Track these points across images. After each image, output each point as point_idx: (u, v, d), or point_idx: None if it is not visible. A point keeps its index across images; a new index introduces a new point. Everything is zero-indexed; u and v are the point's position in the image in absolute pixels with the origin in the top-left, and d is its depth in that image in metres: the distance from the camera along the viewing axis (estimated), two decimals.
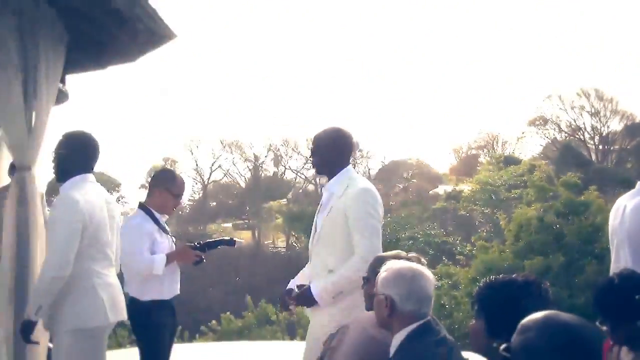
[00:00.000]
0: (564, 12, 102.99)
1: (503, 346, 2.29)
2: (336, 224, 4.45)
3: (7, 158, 6.80)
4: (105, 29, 5.99)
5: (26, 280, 5.83)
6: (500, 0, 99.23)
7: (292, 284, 4.76)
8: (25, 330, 4.41)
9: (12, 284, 5.55)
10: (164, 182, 5.46)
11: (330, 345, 3.90)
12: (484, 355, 2.85)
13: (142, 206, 5.40)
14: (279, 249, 46.66)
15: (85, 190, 4.56)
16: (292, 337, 20.94)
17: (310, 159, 4.82)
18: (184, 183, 5.67)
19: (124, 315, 4.81)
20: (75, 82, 7.12)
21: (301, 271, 4.87)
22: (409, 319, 3.20)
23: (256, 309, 25.09)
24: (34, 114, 5.70)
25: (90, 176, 4.74)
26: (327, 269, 4.45)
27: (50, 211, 4.60)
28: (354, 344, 3.61)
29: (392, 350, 3.22)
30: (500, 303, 2.76)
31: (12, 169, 6.05)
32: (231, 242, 5.73)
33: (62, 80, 6.07)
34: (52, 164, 4.81)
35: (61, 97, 6.20)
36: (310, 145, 4.77)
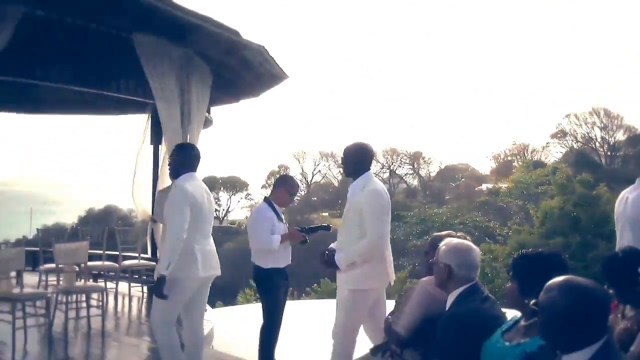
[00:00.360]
0: (582, 43, 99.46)
1: (533, 302, 2.26)
2: (354, 215, 4.44)
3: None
4: (238, 73, 6.13)
5: None
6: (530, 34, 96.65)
7: (332, 245, 4.74)
8: (159, 284, 4.38)
9: None
10: (285, 184, 5.48)
11: (398, 302, 3.91)
12: (517, 309, 2.80)
13: (266, 199, 5.43)
14: None
15: (191, 184, 4.61)
16: None
17: (342, 165, 4.74)
18: (298, 186, 5.74)
19: (215, 273, 4.77)
20: (217, 111, 7.29)
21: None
22: (462, 282, 3.17)
23: None
24: (188, 134, 5.89)
25: (194, 174, 4.77)
26: (344, 244, 4.49)
27: (169, 197, 4.62)
28: (417, 299, 3.57)
29: (448, 304, 3.19)
30: (530, 270, 2.72)
31: None
32: (328, 228, 5.77)
33: (208, 111, 6.22)
34: (169, 167, 4.87)
35: (207, 122, 6.36)
36: (342, 155, 4.71)
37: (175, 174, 4.78)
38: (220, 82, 6.26)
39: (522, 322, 2.72)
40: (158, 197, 6.72)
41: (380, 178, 52.96)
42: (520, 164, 46.48)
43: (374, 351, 3.81)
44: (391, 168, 53.65)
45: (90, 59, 5.32)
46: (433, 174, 53.27)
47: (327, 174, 52.85)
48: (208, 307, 7.91)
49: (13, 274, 6.33)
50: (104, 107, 8.54)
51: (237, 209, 52.82)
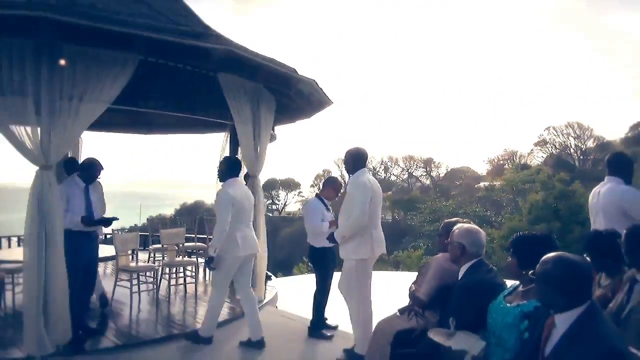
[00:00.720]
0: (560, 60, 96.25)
1: (531, 272, 2.20)
2: (347, 201, 4.44)
3: (243, 171, 7.13)
4: (294, 100, 6.13)
5: (258, 235, 6.08)
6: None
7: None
8: (209, 262, 4.65)
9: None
10: (332, 184, 5.45)
11: (419, 274, 3.86)
12: (515, 279, 2.72)
13: (317, 195, 5.42)
14: (388, 219, 46.05)
15: (232, 187, 4.68)
16: (396, 269, 20.68)
17: (343, 164, 4.65)
18: (341, 185, 5.70)
19: (253, 252, 4.86)
20: (279, 129, 7.32)
21: None
22: (471, 257, 3.12)
23: None
24: (259, 147, 5.93)
25: (236, 179, 4.83)
26: (341, 224, 4.48)
27: (217, 197, 4.65)
28: (434, 272, 3.53)
29: (460, 275, 3.14)
30: (527, 248, 2.65)
31: (247, 176, 6.31)
32: None
33: (273, 129, 6.26)
34: (217, 173, 4.90)
35: (272, 138, 6.39)
36: (342, 157, 4.63)
37: (221, 178, 4.83)
38: (281, 108, 6.28)
39: (520, 288, 2.66)
40: None
41: (401, 179, 52.58)
42: (510, 166, 45.52)
43: (401, 311, 3.77)
44: (409, 171, 53.11)
45: (186, 92, 5.40)
46: (442, 175, 52.59)
47: None
48: (272, 276, 8.00)
49: (129, 252, 6.49)
50: (194, 128, 8.68)
51: (292, 203, 53.03)
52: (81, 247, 4.65)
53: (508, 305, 2.58)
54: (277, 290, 7.04)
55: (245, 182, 6.57)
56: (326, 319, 5.46)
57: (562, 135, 47.05)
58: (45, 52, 3.94)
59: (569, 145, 47.03)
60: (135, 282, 5.96)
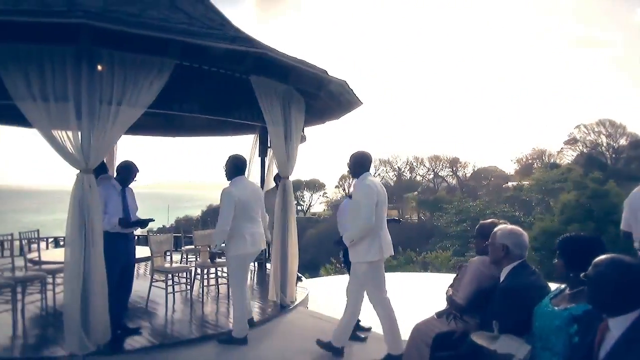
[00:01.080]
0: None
1: (582, 274, 2.14)
2: (353, 205, 4.45)
3: (274, 172, 7.16)
4: (324, 101, 6.14)
5: (289, 236, 6.10)
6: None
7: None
8: (212, 257, 4.88)
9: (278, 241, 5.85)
10: None
11: (456, 277, 3.82)
12: (563, 281, 2.66)
13: (349, 195, 5.38)
14: (414, 220, 45.61)
15: (237, 185, 4.80)
16: (425, 270, 20.45)
17: (348, 169, 4.64)
18: None
19: (260, 248, 4.97)
20: (309, 130, 7.33)
21: None
22: (514, 259, 3.06)
23: (404, 254, 24.92)
24: (290, 148, 5.95)
25: (242, 177, 4.93)
26: (350, 227, 4.49)
27: (220, 196, 4.73)
28: (471, 276, 3.49)
29: (502, 277, 3.09)
30: (574, 249, 2.58)
31: (277, 177, 6.35)
32: (398, 221, 5.68)
33: (303, 130, 6.28)
34: (224, 172, 4.96)
35: (302, 139, 6.41)
36: (348, 161, 4.61)
37: (228, 177, 4.93)
38: (310, 109, 6.30)
39: (567, 291, 2.59)
40: (264, 196, 6.81)
41: (427, 179, 52.01)
42: (539, 165, 44.52)
43: (439, 315, 3.73)
44: (435, 171, 52.49)
45: (219, 95, 5.48)
46: (468, 175, 51.78)
47: (384, 177, 52.18)
48: (302, 277, 8.01)
49: (163, 253, 6.59)
50: (223, 130, 8.79)
51: (317, 204, 53.05)
52: (119, 248, 4.75)
53: (555, 308, 2.53)
54: (308, 291, 7.05)
55: (276, 184, 6.63)
56: (359, 320, 5.43)
57: (593, 133, 45.82)
58: (85, 58, 4.04)
59: (600, 143, 45.78)
60: (170, 282, 6.06)
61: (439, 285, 3.87)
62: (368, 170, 4.54)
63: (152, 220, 5.08)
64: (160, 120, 8.45)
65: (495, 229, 3.17)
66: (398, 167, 52.80)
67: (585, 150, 45.93)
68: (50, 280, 5.89)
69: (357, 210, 4.34)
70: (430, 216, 40.79)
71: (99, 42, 3.95)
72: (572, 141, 47.09)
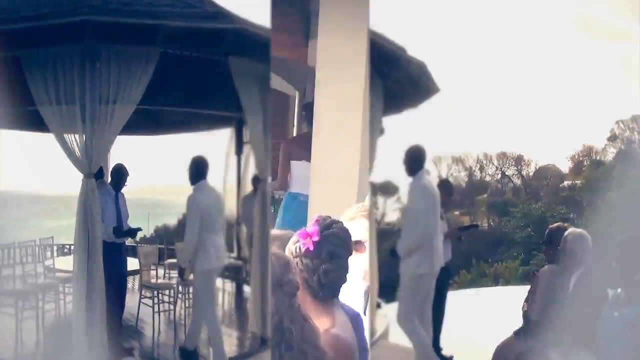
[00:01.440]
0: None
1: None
2: (410, 209, 4.32)
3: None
4: (404, 88, 5.58)
5: (268, 252, 5.71)
6: None
7: None
8: (181, 273, 4.80)
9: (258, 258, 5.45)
10: (446, 189, 5.02)
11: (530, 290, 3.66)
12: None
13: None
14: (484, 226, 45.50)
15: (202, 191, 4.56)
16: (496, 284, 20.03)
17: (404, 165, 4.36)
18: (453, 188, 5.48)
19: (224, 263, 4.82)
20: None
21: None
22: (582, 263, 3.00)
23: (477, 267, 24.48)
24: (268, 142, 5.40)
25: (206, 182, 4.61)
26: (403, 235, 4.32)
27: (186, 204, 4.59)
28: (543, 288, 3.37)
29: (572, 283, 3.03)
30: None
31: (256, 180, 5.45)
32: (476, 226, 5.58)
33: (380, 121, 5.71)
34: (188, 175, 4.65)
35: (381, 132, 5.74)
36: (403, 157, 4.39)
37: (191, 181, 4.60)
38: (390, 98, 5.54)
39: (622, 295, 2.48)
40: (242, 202, 6.28)
41: (495, 179, 51.34)
42: (588, 163, 44.48)
43: (516, 333, 3.57)
44: (502, 170, 51.79)
45: (197, 84, 5.03)
46: (531, 174, 51.31)
47: (457, 177, 51.48)
48: (381, 302, 6.95)
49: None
50: (196, 125, 8.31)
51: (391, 211, 51.10)
52: (113, 259, 4.46)
53: (615, 314, 2.40)
54: (389, 320, 6.27)
55: (254, 188, 5.92)
56: (441, 348, 4.82)
57: (629, 129, 45.92)
58: (88, 57, 3.97)
59: (633, 140, 45.92)
60: (156, 300, 5.67)
61: (510, 300, 3.73)
62: (423, 167, 4.26)
63: (139, 229, 4.89)
64: (140, 118, 7.98)
65: (566, 233, 3.12)
66: (469, 165, 51.74)
67: (622, 146, 46.27)
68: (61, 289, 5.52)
69: (414, 216, 4.10)
70: (499, 221, 40.01)
71: (101, 38, 3.90)
72: (612, 137, 47.38)
